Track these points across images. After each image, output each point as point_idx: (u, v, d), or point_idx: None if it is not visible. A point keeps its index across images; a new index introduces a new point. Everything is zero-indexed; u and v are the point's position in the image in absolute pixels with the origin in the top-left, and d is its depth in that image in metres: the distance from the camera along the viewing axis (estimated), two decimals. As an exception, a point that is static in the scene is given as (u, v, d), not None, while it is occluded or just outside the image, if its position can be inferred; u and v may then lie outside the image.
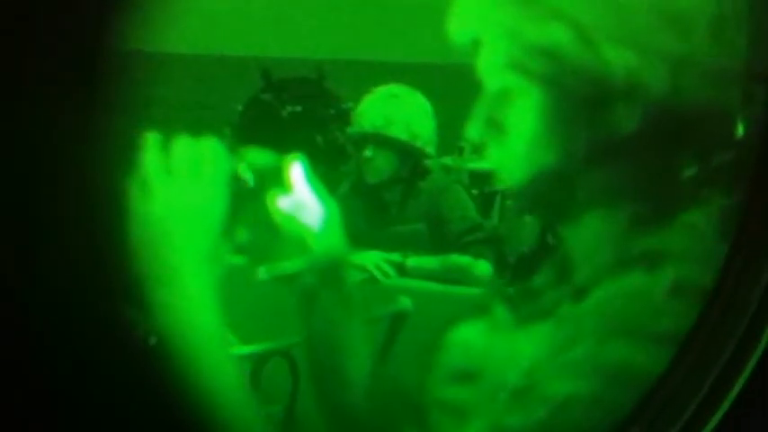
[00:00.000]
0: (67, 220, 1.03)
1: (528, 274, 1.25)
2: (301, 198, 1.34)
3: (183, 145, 1.22)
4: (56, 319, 1.03)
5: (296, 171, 1.35)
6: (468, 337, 1.25)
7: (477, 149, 1.25)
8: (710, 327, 1.08)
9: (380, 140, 3.29)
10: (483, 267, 3.15)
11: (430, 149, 3.36)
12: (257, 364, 2.33)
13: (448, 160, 3.72)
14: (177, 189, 1.20)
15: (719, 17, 1.13)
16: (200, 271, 1.18)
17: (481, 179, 3.81)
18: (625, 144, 1.14)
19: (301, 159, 1.37)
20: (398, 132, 3.29)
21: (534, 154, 1.17)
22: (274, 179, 1.34)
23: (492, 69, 1.19)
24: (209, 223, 1.21)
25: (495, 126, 1.20)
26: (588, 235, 1.18)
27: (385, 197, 3.35)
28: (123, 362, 1.07)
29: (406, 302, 2.90)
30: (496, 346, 1.21)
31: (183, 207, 1.20)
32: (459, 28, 1.22)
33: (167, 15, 1.09)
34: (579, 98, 1.14)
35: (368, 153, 3.30)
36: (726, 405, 1.06)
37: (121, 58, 1.03)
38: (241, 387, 1.19)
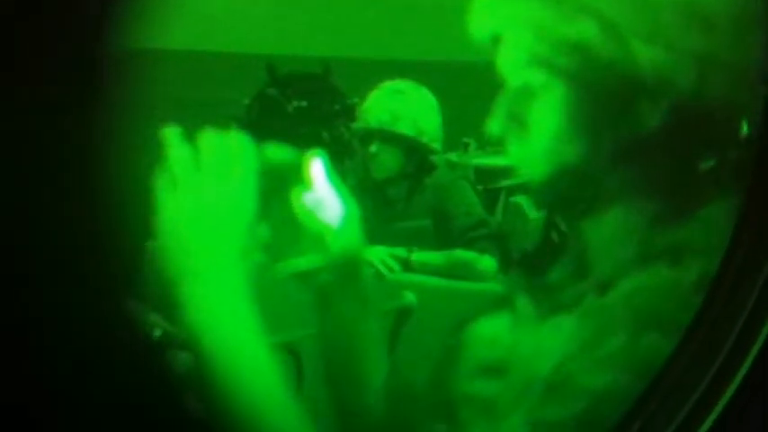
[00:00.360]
0: (71, 220, 1.02)
1: (539, 270, 1.25)
2: (321, 195, 1.33)
3: (211, 141, 1.21)
4: (60, 319, 1.03)
5: (316, 168, 1.34)
6: (493, 332, 1.25)
7: (498, 145, 1.24)
8: (712, 317, 1.09)
9: (386, 136, 3.30)
10: (487, 263, 3.17)
11: (436, 145, 3.37)
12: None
13: (453, 156, 3.71)
14: (207, 185, 1.19)
15: (741, 17, 1.14)
16: (234, 266, 1.18)
17: (486, 175, 3.79)
18: (648, 141, 1.15)
19: (321, 156, 1.35)
20: (404, 128, 3.30)
21: (557, 150, 1.18)
22: (295, 176, 1.33)
23: (515, 65, 1.20)
24: (240, 219, 1.20)
25: (517, 122, 1.21)
26: (609, 230, 1.19)
27: (391, 193, 3.36)
28: (129, 359, 1.08)
29: (410, 298, 2.95)
30: (522, 340, 1.21)
31: (215, 203, 1.19)
32: (479, 24, 1.22)
33: (172, 13, 1.09)
34: (606, 94, 1.15)
35: (374, 149, 3.31)
36: (728, 394, 1.07)
37: (125, 57, 1.02)
38: (280, 378, 1.18)
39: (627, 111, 1.14)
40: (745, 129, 1.16)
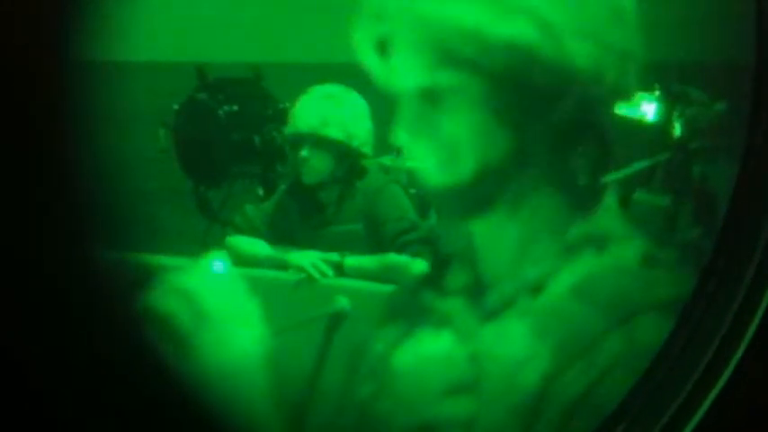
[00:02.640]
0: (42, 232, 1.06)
1: (466, 275, 1.25)
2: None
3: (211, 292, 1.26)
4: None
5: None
6: (442, 349, 1.24)
7: (402, 151, 1.24)
8: (706, 301, 1.11)
9: (316, 140, 3.27)
10: (420, 267, 3.14)
11: (366, 149, 3.32)
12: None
13: (386, 160, 3.64)
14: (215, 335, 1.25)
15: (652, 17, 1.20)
16: None
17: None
18: (567, 135, 1.18)
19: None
20: (334, 132, 3.27)
21: (477, 150, 1.18)
22: None
23: (420, 67, 1.18)
24: None
25: (427, 125, 1.19)
26: (528, 227, 1.21)
27: (322, 197, 3.33)
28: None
29: (344, 302, 2.97)
30: (476, 352, 1.21)
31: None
32: (366, 27, 1.21)
33: (113, 25, 1.09)
34: (531, 90, 1.16)
35: (304, 153, 3.28)
36: (725, 377, 1.08)
37: (81, 69, 1.02)
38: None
39: (552, 106, 1.16)
40: (678, 132, 1.17)
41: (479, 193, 1.21)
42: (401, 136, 1.21)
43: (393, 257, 3.18)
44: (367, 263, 3.18)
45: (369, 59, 1.20)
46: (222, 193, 3.49)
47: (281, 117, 3.38)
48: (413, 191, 3.43)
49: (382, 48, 1.20)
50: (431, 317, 1.27)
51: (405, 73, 1.20)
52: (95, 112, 1.13)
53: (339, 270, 3.14)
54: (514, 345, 1.17)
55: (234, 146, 3.40)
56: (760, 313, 1.09)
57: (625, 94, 1.18)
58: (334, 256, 3.18)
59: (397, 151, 4.72)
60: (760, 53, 1.10)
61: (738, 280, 1.10)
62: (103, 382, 1.08)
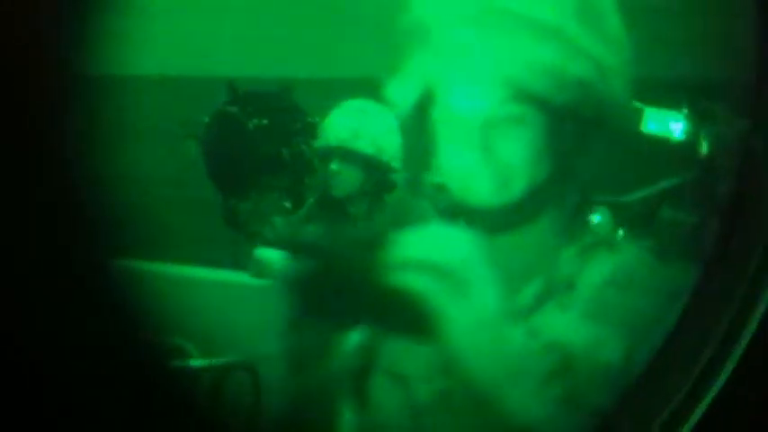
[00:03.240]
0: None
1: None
2: None
3: None
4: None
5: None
6: (517, 346, 1.29)
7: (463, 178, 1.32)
8: (712, 294, 1.18)
9: (346, 154, 3.28)
10: None
11: (395, 163, 3.31)
12: (218, 377, 2.30)
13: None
14: None
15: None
16: None
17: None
18: (586, 149, 1.31)
19: None
20: (365, 146, 3.28)
21: (528, 174, 1.29)
22: None
23: (491, 100, 1.27)
24: None
25: (485, 150, 1.29)
26: (547, 233, 1.33)
27: (351, 210, 3.33)
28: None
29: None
30: (552, 342, 1.28)
31: None
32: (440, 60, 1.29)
33: (135, 39, 1.10)
34: (582, 121, 1.29)
35: (334, 166, 3.29)
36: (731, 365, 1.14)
37: (92, 83, 1.02)
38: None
39: (591, 134, 1.30)
40: (705, 150, 1.29)
41: (521, 211, 1.32)
42: (457, 158, 1.30)
43: None
44: None
45: (427, 85, 1.30)
46: (250, 205, 3.50)
47: (310, 130, 3.39)
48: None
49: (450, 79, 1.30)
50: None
51: (474, 103, 1.30)
52: (118, 126, 1.16)
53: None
54: (577, 332, 1.27)
55: (262, 159, 3.41)
56: (760, 312, 1.13)
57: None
58: None
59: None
60: (759, 53, 1.17)
61: (741, 276, 1.15)
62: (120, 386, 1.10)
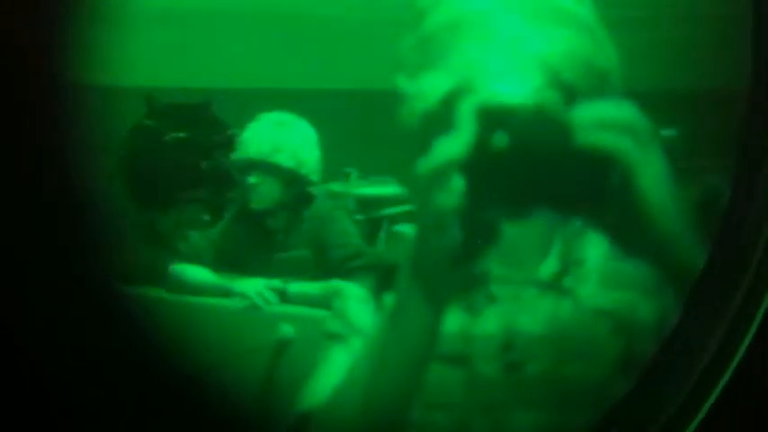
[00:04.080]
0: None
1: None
2: None
3: None
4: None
5: None
6: (565, 317, 1.35)
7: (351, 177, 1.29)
8: (715, 285, 1.22)
9: (266, 167, 3.28)
10: (361, 292, 2.87)
11: (314, 177, 3.33)
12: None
13: (335, 186, 3.46)
14: None
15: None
16: None
17: (368, 204, 3.57)
18: None
19: None
20: (285, 160, 3.27)
21: None
22: None
23: (528, 87, 1.31)
24: None
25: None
26: (544, 221, 1.35)
27: (269, 224, 3.33)
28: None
29: (288, 329, 2.98)
30: (595, 310, 1.35)
31: None
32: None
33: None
34: None
35: (253, 179, 3.28)
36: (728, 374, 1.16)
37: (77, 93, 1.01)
38: None
39: None
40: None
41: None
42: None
43: (335, 283, 3.13)
44: (310, 289, 3.17)
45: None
46: (171, 219, 3.46)
47: (230, 143, 3.36)
48: (360, 217, 3.48)
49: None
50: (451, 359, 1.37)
51: (514, 88, 1.31)
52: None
53: (283, 297, 3.15)
54: (609, 298, 1.34)
55: (181, 172, 3.37)
56: (761, 312, 1.15)
57: None
58: (278, 283, 3.18)
59: (346, 177, 4.68)
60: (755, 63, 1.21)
61: (740, 275, 1.18)
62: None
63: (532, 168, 1.18)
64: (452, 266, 1.21)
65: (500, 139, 1.18)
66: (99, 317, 1.16)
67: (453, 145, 1.18)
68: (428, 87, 1.33)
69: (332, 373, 1.38)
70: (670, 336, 1.23)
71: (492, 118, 1.18)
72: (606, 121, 1.22)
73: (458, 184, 1.17)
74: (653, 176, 1.22)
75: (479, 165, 1.18)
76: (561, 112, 1.21)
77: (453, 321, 1.34)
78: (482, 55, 1.31)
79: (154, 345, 1.29)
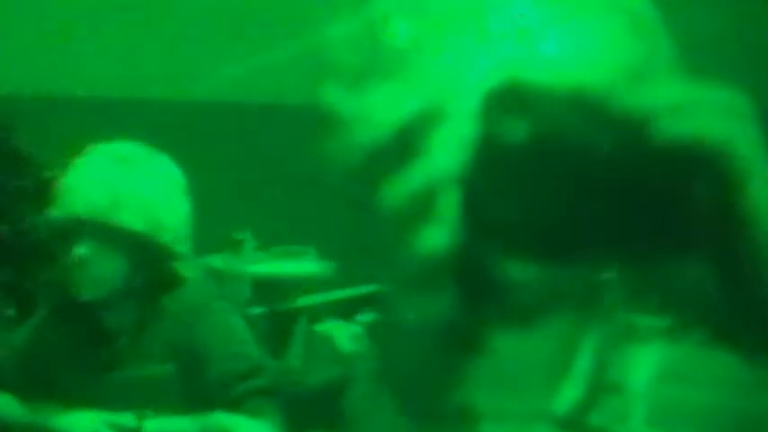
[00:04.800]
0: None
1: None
2: None
3: None
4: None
5: None
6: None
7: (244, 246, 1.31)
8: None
9: (101, 231, 2.45)
10: (263, 429, 2.55)
11: (180, 247, 2.52)
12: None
13: (216, 261, 2.89)
14: None
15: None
16: None
17: (273, 290, 3.06)
18: None
19: None
20: (130, 219, 2.45)
21: None
22: None
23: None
24: None
25: None
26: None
27: (108, 321, 2.52)
28: None
29: None
30: None
31: None
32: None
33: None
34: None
35: (81, 251, 2.44)
36: None
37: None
38: None
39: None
40: None
41: None
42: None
43: (221, 418, 2.52)
44: (179, 427, 2.52)
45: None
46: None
47: (44, 191, 2.64)
48: (259, 310, 2.94)
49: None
50: None
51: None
52: None
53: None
54: None
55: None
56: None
57: None
58: (129, 419, 2.49)
59: (235, 246, 4.00)
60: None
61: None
62: None
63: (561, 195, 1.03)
64: (426, 395, 1.12)
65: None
66: None
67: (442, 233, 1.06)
68: (380, 105, 1.15)
69: None
70: None
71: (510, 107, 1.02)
72: (702, 104, 1.07)
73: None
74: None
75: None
76: (619, 96, 1.04)
77: None
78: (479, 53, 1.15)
79: None
